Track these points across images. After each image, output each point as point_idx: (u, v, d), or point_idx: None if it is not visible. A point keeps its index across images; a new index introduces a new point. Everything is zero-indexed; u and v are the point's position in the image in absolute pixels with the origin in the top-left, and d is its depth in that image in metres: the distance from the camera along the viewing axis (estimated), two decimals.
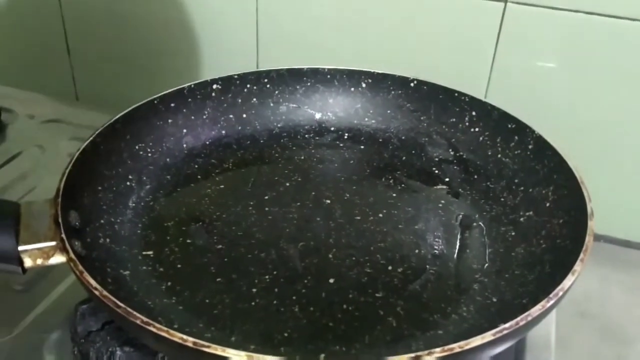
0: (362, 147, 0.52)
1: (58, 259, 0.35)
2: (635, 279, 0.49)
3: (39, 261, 0.35)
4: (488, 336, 0.29)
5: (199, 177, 0.48)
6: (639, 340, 0.46)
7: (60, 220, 0.35)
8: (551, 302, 0.31)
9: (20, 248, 0.34)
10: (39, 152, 0.61)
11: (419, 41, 0.57)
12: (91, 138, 0.43)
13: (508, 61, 0.54)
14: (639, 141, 0.52)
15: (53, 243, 0.34)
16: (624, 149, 0.53)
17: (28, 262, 0.34)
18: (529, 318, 0.30)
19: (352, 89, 0.54)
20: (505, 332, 0.29)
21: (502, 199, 0.45)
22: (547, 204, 0.42)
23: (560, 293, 0.31)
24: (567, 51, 0.52)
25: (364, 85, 0.53)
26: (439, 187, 0.48)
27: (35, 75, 0.76)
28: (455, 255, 0.41)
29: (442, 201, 0.46)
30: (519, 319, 0.30)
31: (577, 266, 0.33)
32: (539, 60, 0.53)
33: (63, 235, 0.34)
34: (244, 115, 0.52)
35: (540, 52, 0.53)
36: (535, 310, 0.30)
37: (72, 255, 0.33)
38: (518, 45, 0.53)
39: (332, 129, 0.53)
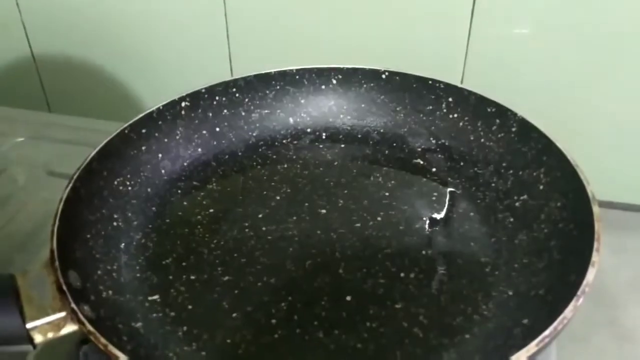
0: (342, 145, 0.51)
1: (69, 328, 0.33)
2: (620, 240, 0.51)
3: (50, 334, 0.33)
4: (532, 347, 0.29)
5: (184, 203, 0.46)
6: (630, 303, 0.48)
7: (65, 287, 0.33)
8: (581, 299, 0.32)
9: (28, 326, 0.32)
10: (16, 172, 0.57)
11: (393, 25, 0.56)
12: (70, 185, 0.40)
13: (484, 32, 0.54)
14: (613, 101, 0.54)
15: (63, 314, 0.32)
16: (600, 110, 0.54)
17: (38, 338, 0.32)
18: (565, 321, 0.31)
19: (323, 86, 0.52)
20: (547, 340, 0.30)
21: (493, 184, 0.46)
22: (541, 187, 0.43)
23: (587, 289, 0.32)
24: (541, 17, 0.52)
25: (334, 81, 0.52)
26: (427, 178, 0.48)
27: (2, 88, 0.70)
28: (460, 250, 0.42)
29: (435, 193, 0.46)
30: (556, 323, 0.30)
31: (595, 257, 0.34)
32: (515, 29, 0.53)
33: (74, 306, 0.32)
34: (217, 129, 0.50)
35: (516, 20, 0.53)
36: (569, 312, 0.31)
37: (89, 327, 0.31)
38: (493, 15, 0.53)
39: (309, 130, 0.52)
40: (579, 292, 0.32)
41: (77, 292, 0.34)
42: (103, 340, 0.30)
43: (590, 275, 0.33)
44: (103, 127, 0.47)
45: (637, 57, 0.52)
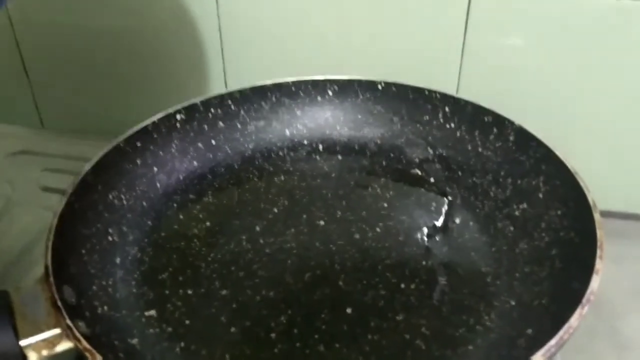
0: (339, 157, 0.51)
1: (65, 345, 0.32)
2: (619, 249, 0.50)
3: (44, 352, 0.32)
4: (539, 358, 0.29)
5: (180, 217, 0.46)
6: (630, 312, 0.47)
7: (60, 304, 0.32)
8: (586, 308, 0.31)
9: (22, 343, 0.31)
10: (8, 188, 0.56)
11: (388, 36, 0.56)
12: (65, 200, 0.39)
13: (478, 44, 0.54)
14: (610, 110, 0.54)
15: (57, 331, 0.32)
16: (597, 119, 0.54)
17: (33, 356, 0.32)
18: (571, 330, 0.30)
19: (319, 98, 0.52)
20: (553, 350, 0.29)
21: (492, 194, 0.45)
22: (540, 195, 0.42)
23: (592, 297, 0.32)
24: (535, 27, 0.52)
25: (330, 93, 0.52)
26: (426, 189, 0.47)
27: None
28: (461, 260, 0.41)
29: (433, 204, 0.46)
30: (562, 332, 0.30)
31: (598, 265, 0.33)
32: (509, 40, 0.53)
33: (69, 322, 0.31)
34: (213, 142, 0.50)
35: (511, 31, 0.53)
36: (575, 320, 0.30)
37: (85, 344, 0.30)
38: (487, 26, 0.53)
39: (305, 142, 0.52)
40: (583, 301, 0.31)
41: (72, 308, 0.34)
42: (99, 357, 0.30)
43: (595, 283, 0.32)
44: (96, 142, 0.47)
45: (634, 66, 0.52)
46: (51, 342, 0.32)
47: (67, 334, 0.31)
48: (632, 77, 0.53)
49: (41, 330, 0.32)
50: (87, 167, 0.42)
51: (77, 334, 0.31)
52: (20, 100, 0.70)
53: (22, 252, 0.49)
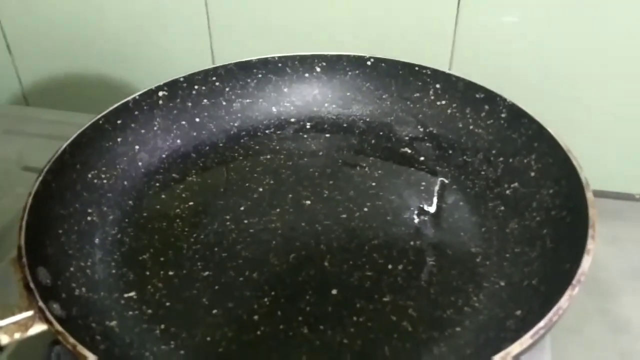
0: (327, 135, 0.50)
1: (38, 328, 0.31)
2: (612, 230, 0.49)
3: (17, 335, 0.31)
4: (527, 340, 0.28)
5: (163, 196, 0.44)
6: (623, 293, 0.46)
7: (32, 285, 0.31)
8: (576, 289, 0.30)
9: None
10: None
11: (379, 10, 0.54)
12: (40, 177, 0.38)
13: (472, 20, 0.52)
14: (603, 88, 0.53)
15: (30, 313, 0.31)
16: (590, 98, 0.53)
17: (4, 339, 0.30)
18: (560, 312, 0.29)
19: (307, 74, 0.51)
20: (541, 331, 0.28)
21: (483, 173, 0.44)
22: (532, 174, 0.41)
23: (582, 278, 0.31)
24: (530, 4, 0.51)
25: (318, 69, 0.50)
26: (415, 168, 0.46)
27: None
28: (450, 241, 0.40)
29: (423, 183, 0.45)
30: (551, 314, 0.29)
31: (590, 244, 0.32)
32: (504, 17, 0.51)
33: (41, 304, 0.30)
34: (197, 120, 0.49)
35: (505, 8, 0.51)
36: (565, 301, 0.29)
37: (58, 327, 0.29)
38: (482, 2, 0.51)
39: (292, 120, 0.50)
40: (574, 282, 0.30)
41: (46, 290, 0.33)
42: (72, 340, 0.29)
43: (586, 263, 0.31)
44: (81, 120, 0.46)
45: (627, 44, 0.51)
46: (23, 325, 0.30)
47: (40, 316, 0.30)
48: (628, 54, 0.52)
49: (13, 313, 0.30)
50: (64, 145, 0.41)
51: (49, 316, 0.30)
52: (5, 78, 0.69)
53: (2, 234, 0.48)
